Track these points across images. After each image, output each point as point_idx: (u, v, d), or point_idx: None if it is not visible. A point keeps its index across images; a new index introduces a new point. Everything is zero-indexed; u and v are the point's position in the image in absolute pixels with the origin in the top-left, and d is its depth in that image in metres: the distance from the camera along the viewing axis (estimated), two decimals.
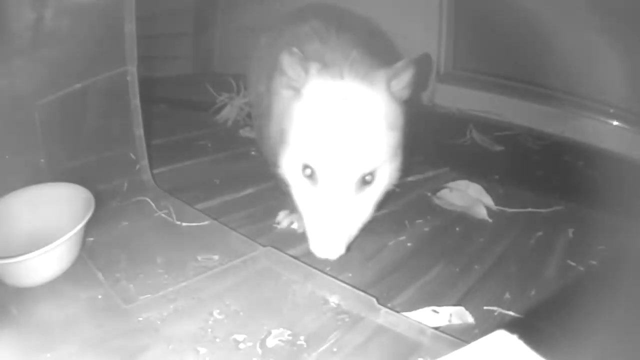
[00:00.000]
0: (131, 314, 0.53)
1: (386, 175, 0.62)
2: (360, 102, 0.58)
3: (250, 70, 0.89)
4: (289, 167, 0.62)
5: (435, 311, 0.57)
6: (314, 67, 0.60)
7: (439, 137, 1.21)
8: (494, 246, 0.73)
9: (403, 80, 0.62)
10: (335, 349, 0.49)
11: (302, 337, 0.51)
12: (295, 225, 0.76)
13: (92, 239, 0.67)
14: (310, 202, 0.60)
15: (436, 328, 0.53)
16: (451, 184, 0.91)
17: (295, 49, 0.60)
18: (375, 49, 0.69)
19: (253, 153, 1.09)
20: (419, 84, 0.66)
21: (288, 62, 0.61)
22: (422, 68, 0.66)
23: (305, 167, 0.59)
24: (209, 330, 0.51)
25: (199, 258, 0.65)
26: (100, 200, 0.65)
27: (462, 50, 1.41)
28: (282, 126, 0.63)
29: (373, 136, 0.58)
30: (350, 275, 0.64)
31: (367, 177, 0.59)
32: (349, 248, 0.60)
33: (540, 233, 0.77)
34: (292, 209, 0.76)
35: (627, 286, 0.57)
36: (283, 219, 0.78)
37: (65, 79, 0.74)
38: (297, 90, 0.61)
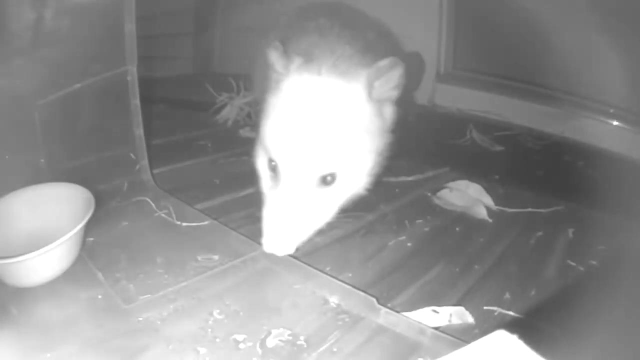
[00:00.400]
0: (131, 314, 0.53)
1: (350, 178, 0.61)
2: (331, 100, 0.57)
3: (256, 69, 0.88)
4: (258, 159, 0.64)
5: (435, 311, 0.57)
6: (295, 62, 0.60)
7: (439, 137, 1.21)
8: (494, 246, 0.73)
9: (390, 81, 0.59)
10: (335, 349, 0.49)
11: (302, 337, 0.51)
12: None
13: (92, 239, 0.67)
14: (269, 196, 0.61)
15: (436, 328, 0.53)
16: (451, 184, 0.91)
17: (277, 43, 0.60)
18: (378, 49, 0.68)
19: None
20: (410, 84, 0.65)
21: (274, 57, 0.60)
22: (415, 67, 0.65)
23: (270, 160, 0.60)
24: (209, 330, 0.51)
25: (199, 258, 0.65)
26: (100, 200, 0.65)
27: (462, 50, 1.41)
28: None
29: (338, 137, 0.57)
30: (350, 275, 0.64)
31: (328, 178, 0.58)
32: (299, 247, 0.61)
33: (540, 233, 0.77)
34: None
35: (627, 286, 0.57)
36: None
37: (65, 79, 0.74)
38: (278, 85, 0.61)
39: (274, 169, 0.60)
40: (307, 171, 0.57)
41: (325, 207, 0.61)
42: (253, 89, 0.94)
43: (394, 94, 0.62)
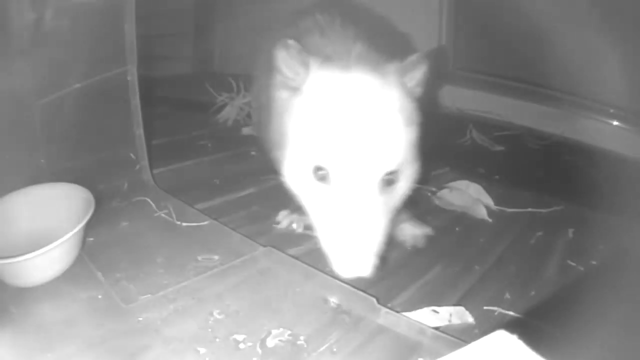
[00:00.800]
0: (131, 314, 0.53)
1: (409, 175, 0.56)
2: (373, 95, 0.52)
3: (259, 68, 0.83)
4: (294, 171, 0.56)
5: (435, 311, 0.57)
6: (314, 61, 0.55)
7: (439, 137, 1.21)
8: (494, 246, 0.73)
9: (416, 77, 0.57)
10: (335, 349, 0.49)
11: (302, 337, 0.51)
12: (295, 226, 0.76)
13: (92, 239, 0.67)
14: (325, 209, 0.52)
15: (436, 328, 0.53)
16: (451, 184, 0.91)
17: (291, 41, 0.54)
18: (382, 47, 0.64)
19: (253, 153, 1.09)
20: (432, 80, 0.60)
21: (283, 58, 0.55)
22: (438, 63, 0.62)
23: (318, 169, 0.52)
24: (209, 330, 0.51)
25: (199, 258, 0.65)
26: (100, 200, 0.65)
27: (462, 50, 1.41)
28: (282, 128, 0.58)
29: (393, 131, 0.52)
30: None
31: (391, 178, 0.52)
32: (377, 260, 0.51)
33: (540, 233, 0.77)
34: (293, 208, 0.76)
35: (627, 286, 0.57)
36: (283, 219, 0.77)
37: (65, 79, 0.74)
38: (295, 89, 0.56)
39: (324, 178, 0.52)
40: (372, 172, 0.50)
41: (388, 212, 0.54)
42: (254, 94, 0.87)
43: (419, 90, 0.59)
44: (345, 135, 0.51)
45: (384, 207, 0.53)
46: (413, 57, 0.55)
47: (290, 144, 0.56)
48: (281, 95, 0.59)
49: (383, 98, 0.53)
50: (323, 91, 0.54)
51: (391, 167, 0.52)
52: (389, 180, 0.52)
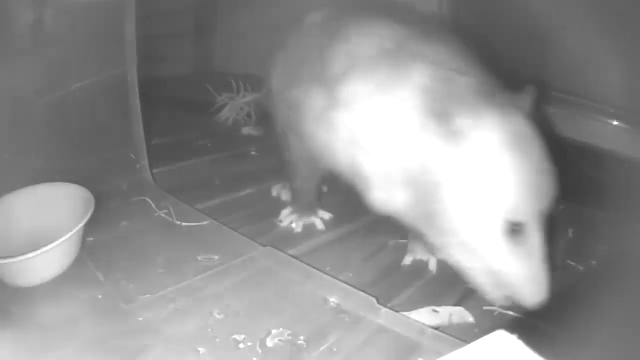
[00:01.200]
0: (131, 314, 0.53)
1: None
2: (536, 136, 0.50)
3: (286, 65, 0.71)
4: (470, 228, 0.48)
5: (435, 311, 0.57)
6: (473, 104, 0.47)
7: None
8: None
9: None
10: (335, 349, 0.49)
11: (302, 337, 0.51)
12: (294, 225, 0.76)
13: (92, 239, 0.67)
14: (511, 261, 0.48)
15: (436, 328, 0.53)
16: None
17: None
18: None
19: (253, 153, 1.09)
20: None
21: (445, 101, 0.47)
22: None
23: (514, 225, 0.47)
24: (209, 330, 0.51)
25: (199, 258, 0.65)
26: (100, 200, 0.65)
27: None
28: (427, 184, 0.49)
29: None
30: (350, 275, 0.64)
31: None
32: None
33: None
34: (295, 208, 0.76)
35: (627, 286, 0.56)
36: (285, 218, 0.77)
37: (65, 79, 0.74)
38: (454, 134, 0.48)
39: (516, 232, 0.48)
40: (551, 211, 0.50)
41: None
42: (271, 89, 0.75)
43: None
44: (539, 185, 0.49)
45: None
46: (528, 91, 0.54)
47: (461, 201, 0.48)
48: (433, 143, 0.49)
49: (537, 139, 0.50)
50: (496, 138, 0.47)
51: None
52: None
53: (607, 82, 1.07)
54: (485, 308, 0.59)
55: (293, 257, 0.65)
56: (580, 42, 1.04)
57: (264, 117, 1.32)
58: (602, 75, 1.06)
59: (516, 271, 0.49)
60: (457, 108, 0.47)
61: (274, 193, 0.87)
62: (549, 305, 0.50)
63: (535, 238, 0.48)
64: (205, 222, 0.73)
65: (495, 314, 0.58)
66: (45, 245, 0.54)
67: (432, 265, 0.68)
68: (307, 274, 0.61)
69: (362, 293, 0.57)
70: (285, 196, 0.84)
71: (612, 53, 1.01)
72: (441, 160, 0.49)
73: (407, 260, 0.69)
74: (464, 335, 0.53)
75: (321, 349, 0.49)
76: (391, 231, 0.76)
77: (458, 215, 0.49)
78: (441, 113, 0.48)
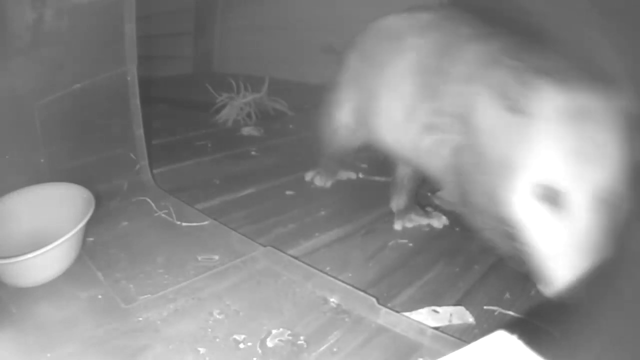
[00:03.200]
0: (131, 314, 0.53)
1: None
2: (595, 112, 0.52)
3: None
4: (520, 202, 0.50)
5: (435, 311, 0.57)
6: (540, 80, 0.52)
7: None
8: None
9: None
10: (335, 349, 0.49)
11: (302, 337, 0.51)
12: (317, 181, 0.92)
13: (92, 239, 0.67)
14: (537, 226, 0.50)
15: (436, 328, 0.53)
16: None
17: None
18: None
19: (253, 153, 1.09)
20: None
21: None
22: None
23: (547, 189, 0.49)
24: (209, 330, 0.51)
25: (199, 258, 0.65)
26: (100, 200, 0.65)
27: None
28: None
29: None
30: (350, 275, 0.64)
31: None
32: None
33: None
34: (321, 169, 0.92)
35: (627, 286, 0.56)
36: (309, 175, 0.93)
37: (65, 79, 0.74)
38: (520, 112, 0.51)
39: (552, 199, 0.48)
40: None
41: None
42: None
43: None
44: (586, 157, 0.49)
45: None
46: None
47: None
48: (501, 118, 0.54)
49: None
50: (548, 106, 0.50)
51: None
52: None
53: (607, 82, 1.07)
54: (485, 308, 0.59)
55: (293, 257, 0.65)
56: (580, 41, 1.04)
57: (264, 117, 1.32)
58: (602, 75, 1.05)
59: (543, 240, 0.49)
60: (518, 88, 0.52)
61: (307, 178, 0.94)
62: (549, 306, 0.50)
63: (578, 213, 0.47)
64: (205, 222, 0.73)
65: (496, 313, 0.58)
66: (45, 245, 0.54)
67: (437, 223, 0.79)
68: (307, 274, 0.61)
69: (362, 293, 0.57)
70: (319, 181, 0.92)
71: (612, 53, 1.01)
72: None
73: (398, 225, 0.78)
74: (464, 335, 0.53)
75: (321, 349, 0.49)
76: (391, 231, 0.77)
77: (495, 169, 0.53)
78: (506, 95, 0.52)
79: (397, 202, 0.82)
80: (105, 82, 0.78)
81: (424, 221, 0.80)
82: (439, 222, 0.80)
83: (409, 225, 0.79)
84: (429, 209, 0.83)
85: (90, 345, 0.48)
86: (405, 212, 0.80)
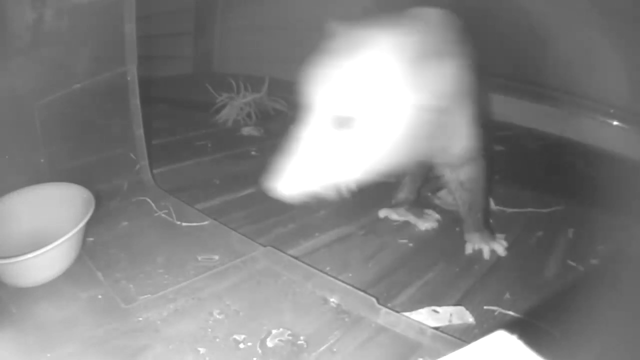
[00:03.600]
0: (131, 314, 0.53)
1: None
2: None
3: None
4: None
5: (435, 311, 0.57)
6: None
7: None
8: None
9: None
10: (335, 349, 0.49)
11: (302, 337, 0.51)
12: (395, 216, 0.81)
13: (92, 239, 0.67)
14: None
15: (436, 328, 0.53)
16: None
17: None
18: None
19: (253, 153, 1.09)
20: None
21: None
22: None
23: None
24: (209, 330, 0.51)
25: (199, 258, 0.65)
26: (100, 200, 0.65)
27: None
28: None
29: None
30: (350, 275, 0.64)
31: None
32: None
33: (540, 233, 0.77)
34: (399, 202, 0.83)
35: (627, 286, 0.56)
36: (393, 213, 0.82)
37: (65, 79, 0.74)
38: None
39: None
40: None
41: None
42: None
43: None
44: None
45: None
46: None
47: None
48: None
49: None
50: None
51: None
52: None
53: (607, 82, 1.07)
54: (485, 308, 0.59)
55: (293, 257, 0.65)
56: (580, 40, 1.04)
57: (264, 117, 1.32)
58: (602, 75, 1.06)
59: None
60: None
61: (381, 215, 0.81)
62: (549, 306, 0.50)
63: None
64: (205, 222, 0.73)
65: (496, 313, 0.58)
66: (45, 245, 0.54)
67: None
68: (307, 274, 0.61)
69: (362, 293, 0.57)
70: (396, 216, 0.81)
71: (612, 53, 1.01)
72: None
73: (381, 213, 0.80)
74: (464, 335, 0.53)
75: (321, 349, 0.49)
76: (391, 231, 0.77)
77: None
78: None
79: (396, 196, 0.83)
80: (105, 82, 0.78)
81: (411, 220, 0.79)
82: (423, 224, 0.78)
83: (394, 217, 0.80)
84: (428, 211, 0.82)
85: (90, 345, 0.48)
86: (398, 205, 0.81)
